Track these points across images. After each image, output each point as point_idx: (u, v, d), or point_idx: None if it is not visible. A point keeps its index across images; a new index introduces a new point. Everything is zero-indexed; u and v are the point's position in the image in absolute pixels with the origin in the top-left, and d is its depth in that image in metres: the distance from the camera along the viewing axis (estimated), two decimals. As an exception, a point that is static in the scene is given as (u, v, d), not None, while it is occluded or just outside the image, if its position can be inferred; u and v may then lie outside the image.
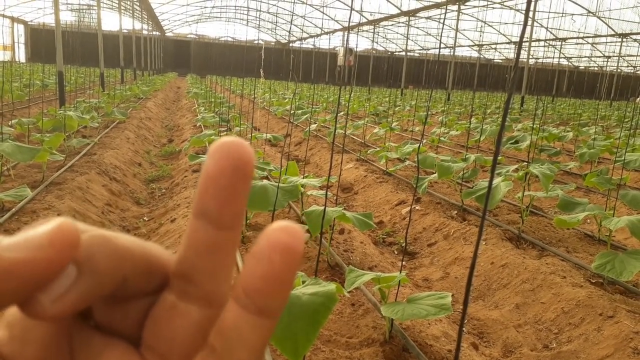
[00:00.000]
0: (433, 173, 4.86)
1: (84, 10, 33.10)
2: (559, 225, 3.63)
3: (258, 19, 38.97)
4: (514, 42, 31.71)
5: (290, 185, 3.27)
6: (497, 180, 3.92)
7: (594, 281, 3.22)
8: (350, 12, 2.24)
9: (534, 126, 8.53)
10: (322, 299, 1.49)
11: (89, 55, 24.45)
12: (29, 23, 39.54)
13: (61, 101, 8.91)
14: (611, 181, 3.96)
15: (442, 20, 27.94)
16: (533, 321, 2.97)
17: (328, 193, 4.62)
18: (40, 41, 36.98)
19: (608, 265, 2.94)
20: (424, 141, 7.66)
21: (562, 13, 25.60)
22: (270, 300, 0.21)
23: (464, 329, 3.05)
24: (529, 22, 19.24)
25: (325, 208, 2.67)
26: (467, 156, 5.17)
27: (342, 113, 10.75)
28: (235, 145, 0.21)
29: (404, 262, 4.01)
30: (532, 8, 18.59)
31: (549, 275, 3.23)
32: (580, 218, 3.19)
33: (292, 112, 11.17)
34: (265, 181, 3.29)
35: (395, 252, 4.21)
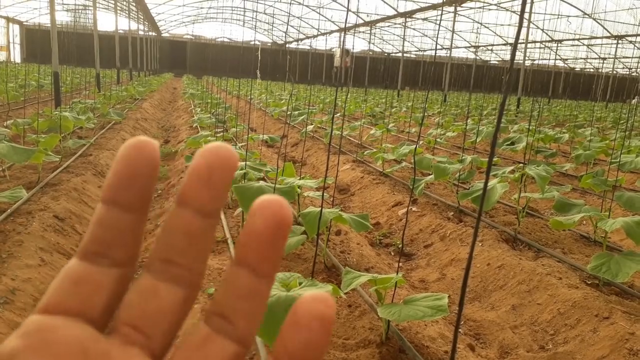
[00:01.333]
0: (429, 174, 4.87)
1: (80, 11, 32.99)
2: (555, 227, 3.64)
3: (254, 20, 38.97)
4: (510, 44, 31.83)
5: (287, 186, 3.27)
6: (493, 182, 3.93)
7: (589, 282, 3.23)
8: (347, 13, 2.24)
9: (530, 128, 8.56)
10: (319, 301, 1.49)
11: (84, 55, 24.36)
12: (24, 23, 39.38)
13: (57, 102, 8.87)
14: (607, 183, 3.98)
15: (438, 22, 28.00)
16: (529, 322, 2.98)
17: (325, 194, 4.63)
18: (36, 41, 36.85)
19: (604, 267, 2.95)
20: (421, 142, 7.67)
21: (558, 15, 25.71)
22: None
23: (460, 330, 3.06)
24: (525, 24, 19.31)
25: (322, 209, 2.67)
26: (463, 157, 5.18)
27: (338, 114, 10.76)
28: (278, 204, 0.24)
29: (400, 264, 4.01)
30: (527, 10, 18.64)
31: (545, 277, 3.24)
32: (576, 219, 3.20)
33: (288, 113, 11.16)
34: (261, 182, 3.29)
35: (392, 254, 4.21)
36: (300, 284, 1.68)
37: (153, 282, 0.25)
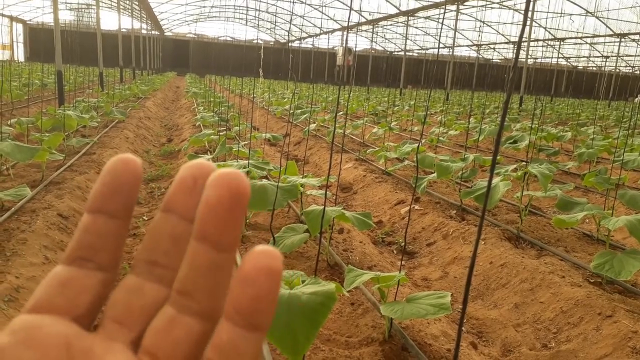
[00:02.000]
0: (432, 173, 4.87)
1: (83, 10, 33.05)
2: (557, 225, 3.64)
3: (257, 19, 38.94)
4: (513, 42, 31.74)
5: (290, 184, 3.27)
6: (495, 180, 3.92)
7: (592, 281, 3.23)
8: (350, 12, 2.24)
9: (533, 126, 8.54)
10: (322, 299, 1.50)
11: (88, 54, 24.41)
12: (27, 22, 39.47)
13: (60, 100, 8.90)
14: (610, 181, 3.97)
15: (440, 20, 27.94)
16: (532, 320, 2.98)
17: (327, 192, 4.63)
18: (39, 40, 36.94)
19: (607, 265, 2.95)
20: (423, 141, 7.66)
21: (561, 13, 25.63)
22: (261, 317, 0.24)
23: (463, 328, 3.06)
24: (528, 23, 19.27)
25: (324, 207, 2.68)
26: (466, 156, 5.18)
27: (341, 113, 10.75)
28: (233, 176, 0.24)
29: (403, 262, 4.02)
30: (530, 8, 18.64)
31: (548, 275, 3.24)
32: (579, 218, 3.20)
33: (291, 111, 11.16)
34: (264, 181, 3.30)
35: (395, 252, 4.21)
36: (303, 281, 1.69)
37: (138, 281, 0.26)
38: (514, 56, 0.84)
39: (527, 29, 19.67)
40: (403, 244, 4.26)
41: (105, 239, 0.26)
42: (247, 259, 0.24)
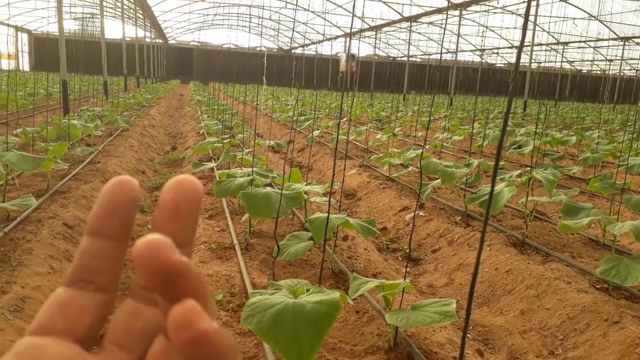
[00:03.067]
0: (436, 179, 4.86)
1: (88, 19, 33.33)
2: (563, 231, 3.62)
3: (260, 26, 39.14)
4: (516, 47, 31.73)
5: (294, 192, 3.27)
6: (500, 186, 3.91)
7: (599, 286, 3.21)
8: (352, 19, 2.26)
9: (537, 131, 8.52)
10: (326, 308, 1.49)
11: (92, 63, 24.59)
12: (32, 32, 39.82)
13: (65, 110, 8.96)
14: (615, 185, 3.96)
15: (443, 26, 28.00)
16: (538, 327, 2.96)
17: (332, 199, 4.63)
18: (44, 50, 37.22)
19: (613, 271, 2.93)
20: (427, 147, 7.65)
21: (564, 17, 25.61)
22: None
23: (469, 335, 3.04)
24: (530, 27, 19.26)
25: (328, 215, 2.68)
26: (470, 162, 5.17)
27: (344, 119, 10.77)
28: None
29: (408, 269, 4.00)
30: (533, 13, 18.59)
31: (554, 281, 3.22)
32: (584, 223, 3.18)
33: (294, 118, 11.18)
34: (268, 188, 3.30)
35: (400, 259, 4.20)
36: (307, 290, 1.69)
37: (137, 305, 0.27)
38: (515, 61, 0.85)
39: (529, 33, 19.68)
40: (408, 250, 4.25)
41: (104, 260, 0.27)
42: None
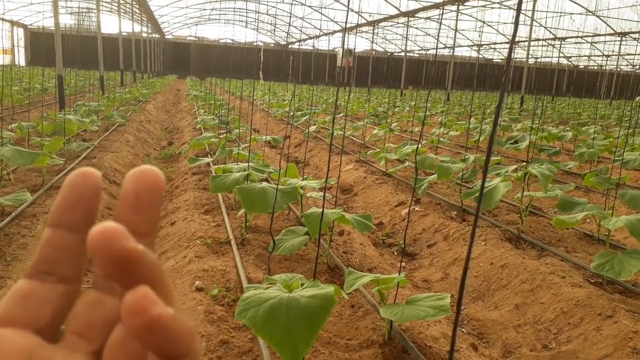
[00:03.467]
0: (432, 174, 4.87)
1: (84, 14, 33.12)
2: (558, 226, 3.64)
3: (257, 21, 39.00)
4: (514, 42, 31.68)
5: (290, 187, 3.28)
6: (495, 181, 3.92)
7: (593, 281, 3.23)
8: (347, 13, 2.25)
9: (533, 126, 8.54)
10: (321, 302, 1.50)
11: (88, 58, 24.46)
12: (28, 27, 39.57)
13: (61, 105, 8.92)
14: (610, 181, 3.97)
15: (440, 20, 27.91)
16: (532, 321, 2.97)
17: (328, 195, 4.63)
18: (40, 44, 37.00)
19: (607, 265, 2.95)
20: (424, 142, 7.65)
21: (561, 12, 25.61)
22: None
23: (463, 329, 3.06)
24: (528, 22, 19.24)
25: (323, 210, 2.69)
26: (466, 157, 5.18)
27: (341, 115, 10.76)
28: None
29: (403, 264, 4.02)
30: (530, 8, 18.54)
31: (549, 276, 3.24)
32: (579, 218, 3.20)
33: (291, 114, 11.16)
34: (264, 183, 3.30)
35: (395, 254, 4.21)
36: (302, 284, 1.69)
37: (99, 295, 0.27)
38: (507, 56, 0.85)
39: (527, 28, 19.66)
40: (403, 245, 4.25)
41: (66, 252, 0.27)
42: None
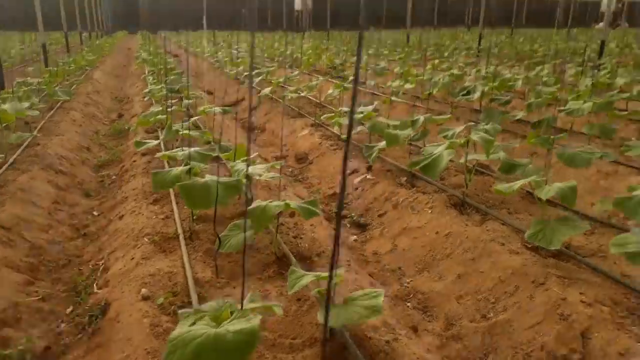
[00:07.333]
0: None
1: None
2: (497, 194, 3.77)
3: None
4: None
5: (233, 180, 3.26)
6: (440, 149, 3.99)
7: (530, 246, 3.39)
8: None
9: (486, 75, 8.59)
10: (246, 337, 1.55)
11: (26, 18, 22.89)
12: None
13: (0, 85, 8.44)
14: (550, 141, 4.09)
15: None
16: (473, 291, 3.13)
17: (282, 163, 4.62)
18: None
19: (540, 234, 3.10)
20: (376, 103, 7.61)
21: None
22: None
23: (408, 304, 3.21)
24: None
25: (267, 203, 2.72)
26: (416, 118, 5.20)
27: (297, 73, 10.54)
28: None
29: (355, 237, 4.12)
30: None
31: (489, 243, 3.38)
32: (515, 188, 3.31)
33: (245, 73, 10.88)
34: (207, 176, 3.27)
35: (348, 226, 4.31)
36: (232, 313, 1.73)
37: None
38: None
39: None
40: (355, 219, 4.35)
41: None
42: None
